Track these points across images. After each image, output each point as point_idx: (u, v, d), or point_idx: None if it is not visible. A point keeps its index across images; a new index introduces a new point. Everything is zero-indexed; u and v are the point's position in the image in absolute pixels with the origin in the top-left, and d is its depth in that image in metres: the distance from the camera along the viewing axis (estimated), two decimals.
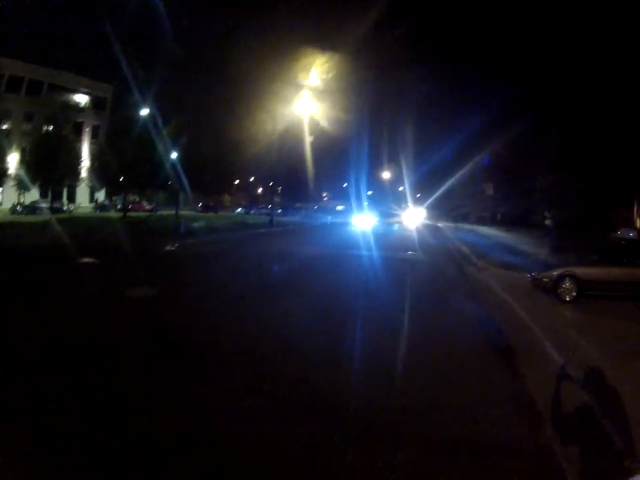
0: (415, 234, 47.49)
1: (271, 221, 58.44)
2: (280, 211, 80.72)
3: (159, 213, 64.44)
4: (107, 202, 72.02)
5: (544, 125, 57.65)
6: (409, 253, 30.89)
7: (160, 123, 61.20)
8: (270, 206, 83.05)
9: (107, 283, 18.13)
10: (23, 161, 59.57)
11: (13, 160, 58.61)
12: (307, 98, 53.70)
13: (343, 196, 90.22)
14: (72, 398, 7.33)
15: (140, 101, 60.77)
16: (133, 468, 5.50)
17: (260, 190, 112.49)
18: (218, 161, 69.81)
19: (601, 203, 52.86)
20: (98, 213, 64.50)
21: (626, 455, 5.60)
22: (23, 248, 25.25)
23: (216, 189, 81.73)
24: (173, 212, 57.87)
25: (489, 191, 71.68)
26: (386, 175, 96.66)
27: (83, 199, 74.87)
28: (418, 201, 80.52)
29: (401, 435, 6.46)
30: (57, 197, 67.30)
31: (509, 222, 59.28)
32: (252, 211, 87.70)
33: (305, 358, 9.65)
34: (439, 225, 61.02)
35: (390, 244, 36.61)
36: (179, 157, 62.72)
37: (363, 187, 76.32)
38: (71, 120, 65.95)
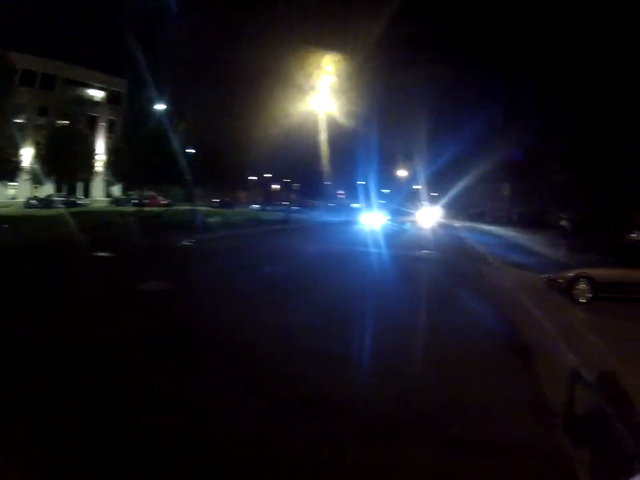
0: (429, 233, 47.03)
1: (287, 217, 58.17)
2: (296, 207, 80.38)
3: (174, 207, 64.31)
4: (122, 196, 71.95)
5: (558, 123, 57.15)
6: (424, 251, 30.41)
7: (175, 118, 61.08)
8: (285, 203, 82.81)
9: (121, 276, 18.17)
10: (37, 155, 59.84)
11: (27, 154, 58.64)
12: (323, 95, 53.40)
13: (358, 193, 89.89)
14: (69, 396, 7.31)
15: (155, 96, 60.66)
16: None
17: (276, 186, 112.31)
18: (233, 157, 69.64)
19: (616, 204, 52.33)
20: (113, 207, 64.47)
21: (638, 457, 5.51)
22: (37, 241, 25.12)
23: (231, 184, 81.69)
24: (189, 207, 57.82)
25: (505, 190, 71.01)
26: (402, 173, 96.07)
27: (98, 193, 74.92)
28: (434, 200, 79.83)
29: (416, 434, 6.51)
30: (72, 190, 68.02)
31: (525, 222, 58.77)
32: (267, 208, 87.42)
33: (315, 355, 9.67)
34: (455, 224, 60.29)
35: (404, 243, 36.21)
36: (195, 152, 62.59)
37: (378, 185, 75.90)
38: (86, 114, 66.16)
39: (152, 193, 69.57)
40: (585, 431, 6.70)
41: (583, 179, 53.08)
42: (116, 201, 70.28)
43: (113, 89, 79.44)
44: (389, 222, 57.88)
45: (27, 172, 57.29)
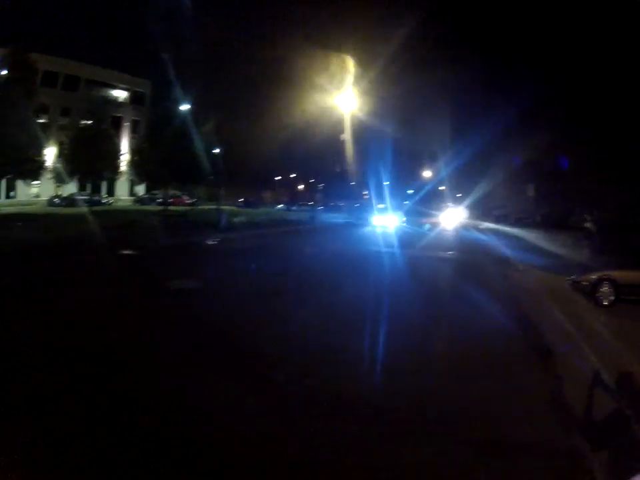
0: (453, 234, 46.10)
1: (312, 218, 57.79)
2: (321, 208, 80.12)
3: (199, 207, 64.37)
4: (146, 195, 72.34)
5: (583, 124, 56.33)
6: (448, 253, 29.73)
7: (200, 118, 61.25)
8: (311, 203, 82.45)
9: (148, 274, 18.19)
10: (61, 154, 60.21)
11: (51, 153, 58.99)
12: (348, 95, 52.89)
13: (384, 194, 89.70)
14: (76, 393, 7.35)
15: (179, 96, 60.94)
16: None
17: (301, 187, 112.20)
18: (258, 157, 69.66)
19: None
20: (138, 206, 64.92)
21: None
22: (63, 239, 25.26)
23: (257, 184, 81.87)
24: (214, 207, 57.98)
25: (530, 191, 70.09)
26: (427, 173, 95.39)
27: (123, 192, 75.39)
28: (458, 201, 79.03)
29: (436, 433, 6.54)
30: (96, 189, 68.46)
31: (549, 223, 57.81)
32: (292, 208, 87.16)
33: (335, 354, 9.68)
34: (480, 225, 59.02)
35: (428, 244, 35.30)
36: (219, 152, 62.64)
37: (403, 186, 75.31)
38: (109, 114, 66.43)
39: (176, 192, 69.58)
40: (603, 432, 6.72)
41: (608, 180, 52.08)
42: (140, 200, 70.71)
43: (136, 89, 79.79)
44: (405, 224, 54.45)
45: (50, 171, 57.48)
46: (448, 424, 6.84)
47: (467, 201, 71.67)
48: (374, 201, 72.95)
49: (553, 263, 24.85)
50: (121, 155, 64.92)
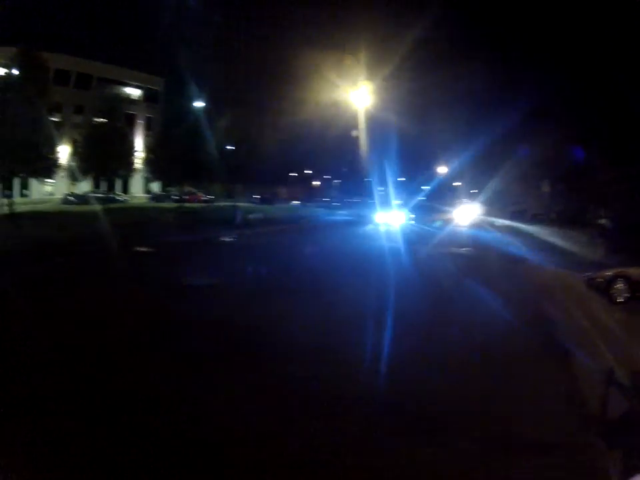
0: (465, 234, 45.16)
1: (327, 214, 57.52)
2: (336, 204, 79.85)
3: (215, 204, 64.46)
4: (161, 192, 72.36)
5: (599, 121, 55.79)
6: (462, 249, 29.27)
7: (214, 115, 61.46)
8: (326, 199, 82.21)
9: (160, 271, 18.27)
10: (75, 152, 60.35)
11: (64, 151, 58.99)
12: (363, 92, 52.55)
13: (399, 190, 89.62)
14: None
15: (193, 94, 61.30)
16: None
17: (316, 183, 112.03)
18: (274, 153, 69.63)
19: None
20: (153, 203, 64.82)
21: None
22: (78, 236, 25.34)
23: (272, 181, 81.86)
24: (229, 203, 58.08)
25: (545, 188, 69.58)
26: (442, 170, 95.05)
27: (137, 190, 75.24)
28: (473, 197, 78.40)
29: (458, 429, 6.58)
30: (111, 187, 68.57)
31: (565, 220, 57.22)
32: (308, 204, 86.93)
33: (353, 351, 9.65)
34: (495, 222, 57.98)
35: (440, 240, 34.66)
36: (234, 149, 62.74)
37: (417, 182, 74.99)
38: (123, 112, 66.44)
39: (192, 189, 69.68)
40: (618, 430, 6.72)
41: (623, 177, 51.50)
42: (156, 197, 70.56)
43: (149, 87, 79.71)
44: (413, 222, 51.89)
45: (64, 169, 57.60)
46: (462, 422, 6.82)
47: (482, 197, 71.13)
48: (378, 197, 72.51)
49: (567, 260, 24.68)
50: (135, 152, 64.93)
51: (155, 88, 78.85)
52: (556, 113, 60.43)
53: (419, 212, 58.02)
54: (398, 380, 8.24)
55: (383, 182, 78.92)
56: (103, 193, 61.78)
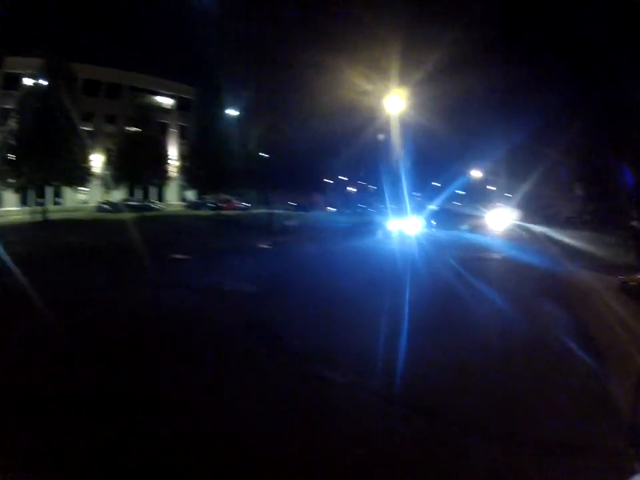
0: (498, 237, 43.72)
1: (362, 220, 57.06)
2: (373, 210, 79.72)
3: (251, 211, 64.64)
4: (197, 200, 72.95)
5: (630, 123, 54.87)
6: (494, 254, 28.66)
7: (247, 123, 61.79)
8: (362, 205, 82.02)
9: (200, 277, 18.32)
10: (109, 161, 60.85)
11: (98, 160, 59.73)
12: (397, 97, 52.08)
13: (435, 196, 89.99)
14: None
15: (226, 102, 62.00)
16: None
17: (352, 189, 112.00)
18: (309, 160, 69.78)
19: None
20: (189, 211, 65.82)
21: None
22: (112, 244, 25.48)
23: (308, 188, 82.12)
24: (265, 210, 58.30)
25: (578, 190, 68.69)
26: (477, 174, 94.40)
27: (173, 198, 76.01)
28: (507, 201, 77.46)
29: (489, 431, 6.67)
30: (146, 195, 69.29)
31: (598, 223, 56.10)
32: (344, 211, 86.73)
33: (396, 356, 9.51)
34: (529, 227, 56.10)
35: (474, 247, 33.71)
36: (268, 156, 63.03)
37: (451, 187, 75.22)
38: (156, 121, 66.88)
39: (227, 197, 69.91)
40: None
41: None
42: (191, 205, 71.50)
43: (182, 96, 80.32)
44: (434, 229, 47.37)
45: (97, 177, 58.02)
46: (499, 422, 6.96)
47: (515, 201, 70.30)
48: (425, 203, 71.73)
49: (599, 263, 24.08)
50: (170, 160, 65.33)
51: (187, 97, 79.40)
52: (588, 115, 59.97)
53: (442, 218, 56.23)
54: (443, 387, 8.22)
55: (418, 188, 78.84)
56: (137, 201, 62.74)
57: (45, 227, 39.16)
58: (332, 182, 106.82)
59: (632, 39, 51.33)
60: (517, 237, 42.75)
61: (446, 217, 56.28)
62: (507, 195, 79.41)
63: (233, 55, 74.50)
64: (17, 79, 56.97)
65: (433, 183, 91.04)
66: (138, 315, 12.36)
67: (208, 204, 67.67)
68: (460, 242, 35.18)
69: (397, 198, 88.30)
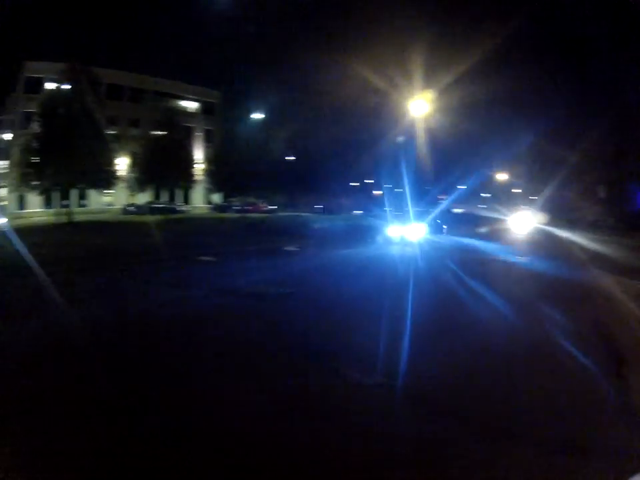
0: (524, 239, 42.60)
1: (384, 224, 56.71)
2: (399, 213, 79.47)
3: (277, 214, 64.76)
4: (223, 203, 73.65)
5: None
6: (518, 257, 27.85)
7: (272, 126, 62.32)
8: (388, 208, 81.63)
9: (228, 279, 18.12)
10: (134, 164, 61.46)
11: (123, 163, 60.48)
12: (423, 99, 51.79)
13: (460, 198, 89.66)
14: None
15: (251, 105, 63.30)
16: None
17: (378, 192, 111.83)
18: (336, 163, 69.75)
19: None
20: (215, 214, 66.63)
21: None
22: (138, 245, 25.73)
23: (334, 190, 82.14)
24: (292, 213, 58.20)
25: (601, 193, 68.02)
26: (502, 176, 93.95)
27: (198, 200, 76.63)
28: (532, 204, 76.71)
29: (512, 432, 6.59)
30: (172, 198, 70.21)
31: (623, 226, 55.15)
32: (372, 213, 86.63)
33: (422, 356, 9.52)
34: (552, 231, 54.39)
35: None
36: (295, 159, 63.21)
37: (476, 189, 74.72)
38: (181, 125, 67.30)
39: (254, 200, 70.19)
40: None
41: None
42: (217, 208, 72.08)
43: (206, 100, 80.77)
44: (423, 235, 39.05)
45: (122, 180, 58.57)
46: (519, 425, 6.83)
47: (539, 204, 69.51)
48: (450, 205, 71.11)
49: (626, 268, 23.04)
50: (195, 164, 65.65)
51: (212, 100, 79.80)
52: (611, 116, 59.44)
53: (456, 221, 55.13)
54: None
55: (443, 190, 78.61)
56: (163, 204, 63.84)
57: (69, 228, 39.45)
58: (358, 184, 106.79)
59: None
60: (536, 242, 41.04)
61: (464, 220, 55.93)
62: (532, 197, 78.89)
63: (258, 58, 74.80)
64: (39, 83, 58.44)
65: (459, 187, 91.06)
66: (165, 316, 12.33)
67: (234, 207, 68.28)
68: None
69: (420, 201, 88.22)
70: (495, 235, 44.75)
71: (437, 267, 23.19)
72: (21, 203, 59.29)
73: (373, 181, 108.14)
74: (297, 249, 29.25)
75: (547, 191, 66.16)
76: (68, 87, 47.72)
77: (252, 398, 7.37)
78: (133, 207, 61.43)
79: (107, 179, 50.89)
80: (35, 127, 47.71)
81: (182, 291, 15.63)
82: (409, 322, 11.99)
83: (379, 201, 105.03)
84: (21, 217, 51.30)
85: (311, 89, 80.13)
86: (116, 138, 59.04)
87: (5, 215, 43.08)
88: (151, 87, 74.44)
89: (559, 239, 41.85)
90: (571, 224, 60.45)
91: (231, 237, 32.85)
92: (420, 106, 51.16)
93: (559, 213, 68.81)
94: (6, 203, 57.38)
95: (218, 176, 63.22)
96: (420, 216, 45.65)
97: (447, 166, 72.54)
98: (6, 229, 29.87)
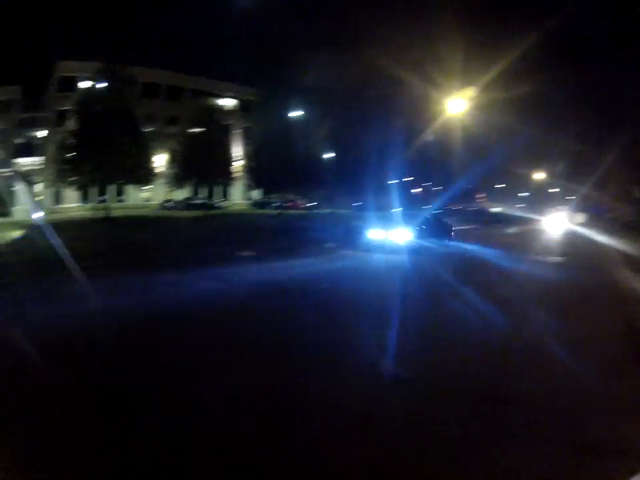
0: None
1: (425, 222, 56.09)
2: (437, 212, 79.09)
3: (315, 211, 65.64)
4: (263, 199, 74.29)
5: None
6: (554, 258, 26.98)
7: (312, 123, 63.29)
8: (426, 207, 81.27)
9: (267, 274, 18.26)
10: (173, 161, 61.66)
11: (161, 160, 61.00)
12: (463, 99, 51.14)
13: (497, 197, 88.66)
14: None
15: (291, 103, 63.22)
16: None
17: (416, 190, 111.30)
18: (375, 161, 69.46)
19: None
20: (254, 210, 67.20)
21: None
22: (176, 241, 25.81)
23: (372, 188, 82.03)
24: (330, 210, 58.10)
25: (636, 193, 66.62)
26: (540, 176, 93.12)
27: (237, 197, 77.26)
28: (567, 204, 75.47)
29: (536, 434, 6.47)
30: (210, 194, 70.68)
31: None
32: (409, 211, 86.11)
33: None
34: (586, 232, 51.92)
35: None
36: (334, 156, 63.09)
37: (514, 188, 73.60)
38: (219, 122, 67.60)
39: (292, 196, 70.26)
40: None
41: None
42: (256, 204, 72.81)
43: (243, 97, 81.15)
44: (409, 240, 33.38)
45: (161, 176, 59.13)
46: (544, 424, 6.75)
47: (574, 205, 68.45)
48: (489, 204, 70.15)
49: None
50: (234, 161, 65.90)
51: (250, 98, 80.00)
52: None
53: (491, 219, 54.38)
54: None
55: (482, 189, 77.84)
56: (202, 199, 64.08)
57: (106, 223, 39.67)
58: (396, 182, 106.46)
59: None
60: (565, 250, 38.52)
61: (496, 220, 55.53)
62: (569, 197, 77.97)
63: (295, 55, 74.69)
64: (73, 81, 59.11)
65: (497, 185, 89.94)
66: (206, 309, 12.31)
67: (273, 203, 68.66)
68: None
69: (463, 199, 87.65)
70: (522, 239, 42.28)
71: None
72: (57, 198, 60.19)
73: (411, 179, 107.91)
74: (335, 246, 28.72)
75: (582, 191, 66.06)
76: (104, 84, 48.25)
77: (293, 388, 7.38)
78: (171, 203, 62.13)
79: (144, 175, 51.23)
80: (71, 124, 48.28)
81: (222, 287, 15.54)
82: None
83: (417, 199, 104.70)
84: (57, 212, 51.82)
85: (347, 86, 80.00)
86: (153, 135, 59.96)
87: (41, 209, 43.38)
88: (188, 85, 75.39)
89: (593, 244, 39.26)
90: (604, 225, 59.04)
91: (269, 233, 33.25)
92: (458, 104, 50.58)
93: (595, 215, 67.71)
94: (42, 197, 58.05)
95: (257, 172, 63.65)
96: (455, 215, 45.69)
97: (485, 165, 71.87)
98: (40, 223, 30.06)
